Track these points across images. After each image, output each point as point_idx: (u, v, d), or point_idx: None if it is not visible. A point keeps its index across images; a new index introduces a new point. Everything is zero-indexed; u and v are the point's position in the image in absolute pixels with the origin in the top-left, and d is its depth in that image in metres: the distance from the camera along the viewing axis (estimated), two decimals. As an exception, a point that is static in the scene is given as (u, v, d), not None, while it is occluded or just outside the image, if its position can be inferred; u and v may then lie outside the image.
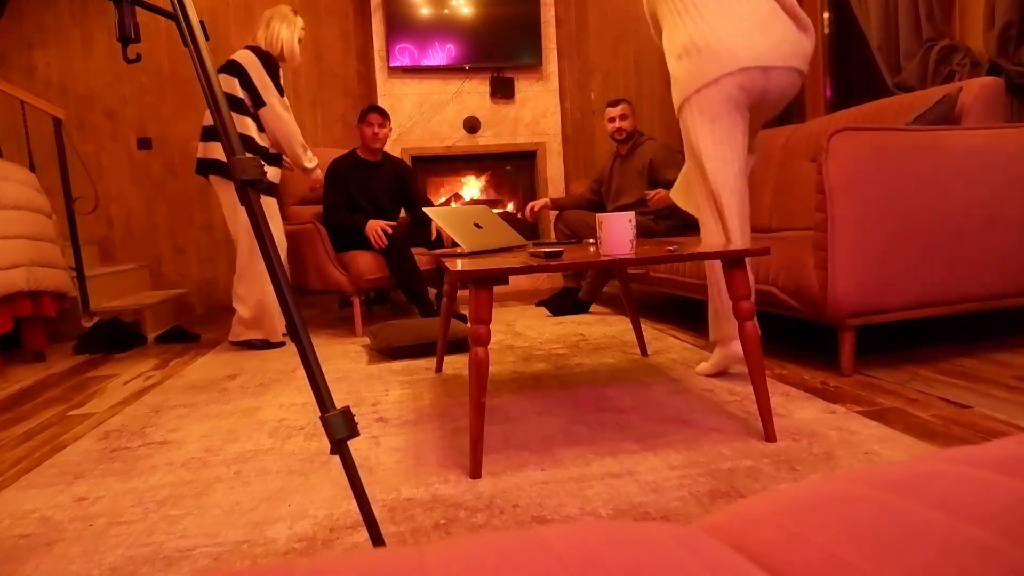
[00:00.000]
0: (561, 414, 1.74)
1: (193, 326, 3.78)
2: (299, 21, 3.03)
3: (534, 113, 4.45)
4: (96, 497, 1.38)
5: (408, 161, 4.25)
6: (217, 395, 2.18)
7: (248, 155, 0.99)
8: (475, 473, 1.37)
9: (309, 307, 4.45)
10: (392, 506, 1.25)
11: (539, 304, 3.73)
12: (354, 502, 1.28)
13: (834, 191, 1.85)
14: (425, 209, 2.06)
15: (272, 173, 3.02)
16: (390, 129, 3.42)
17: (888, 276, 1.91)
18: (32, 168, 3.31)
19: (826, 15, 3.59)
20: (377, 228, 3.13)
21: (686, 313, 3.29)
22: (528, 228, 4.55)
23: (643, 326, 2.98)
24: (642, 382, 2.01)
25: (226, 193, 2.90)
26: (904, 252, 1.91)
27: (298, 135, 2.97)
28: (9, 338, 3.18)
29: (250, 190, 0.99)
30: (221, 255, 4.50)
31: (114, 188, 4.33)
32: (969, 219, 1.96)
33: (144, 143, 4.34)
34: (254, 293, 2.94)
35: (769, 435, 1.46)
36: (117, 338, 3.16)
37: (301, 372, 2.45)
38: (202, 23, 1.03)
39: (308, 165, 3.07)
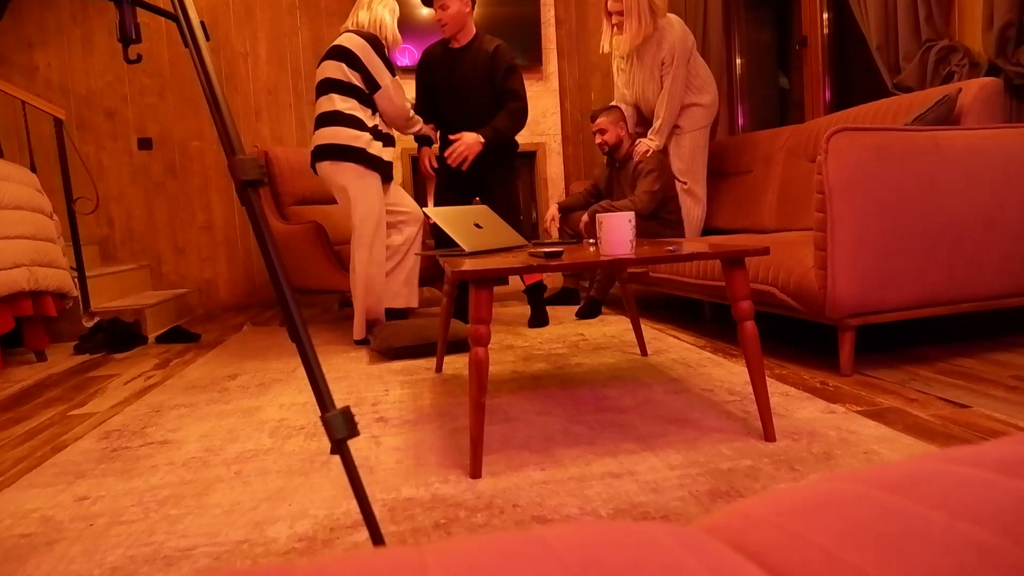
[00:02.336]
0: (561, 414, 1.74)
1: (193, 326, 3.78)
2: (394, 3, 2.88)
3: (534, 113, 4.45)
4: (97, 497, 1.39)
5: (409, 163, 4.24)
6: (217, 395, 2.18)
7: (247, 155, 0.99)
8: (475, 473, 1.37)
9: (309, 307, 4.45)
10: (392, 506, 1.26)
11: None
12: (354, 502, 1.28)
13: (834, 191, 1.86)
14: (425, 209, 2.06)
15: (388, 153, 2.90)
16: (459, 8, 2.95)
17: (888, 276, 1.91)
18: (33, 168, 3.31)
19: (825, 15, 3.59)
20: (425, 160, 3.06)
21: (686, 313, 3.29)
22: (528, 228, 4.55)
23: (643, 326, 2.98)
24: (642, 382, 2.01)
25: (341, 176, 2.74)
26: (904, 252, 1.91)
27: (408, 112, 2.90)
28: (10, 338, 3.18)
29: (250, 190, 0.99)
30: (221, 255, 4.50)
31: (115, 188, 4.33)
32: (969, 219, 1.96)
33: (144, 143, 4.34)
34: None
35: (769, 435, 1.46)
36: (118, 338, 3.16)
37: (301, 372, 2.45)
38: (202, 23, 1.03)
39: (412, 130, 2.99)
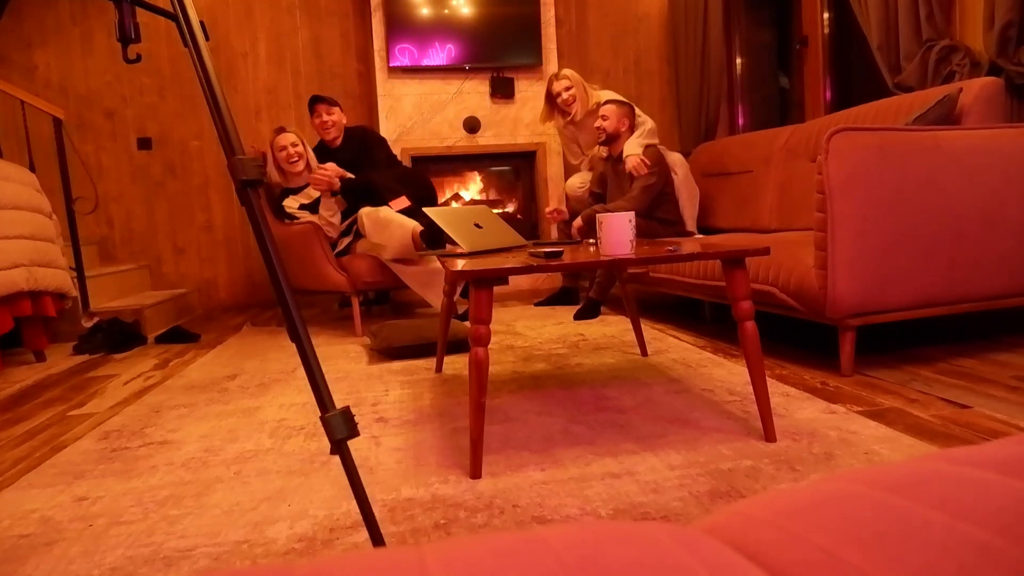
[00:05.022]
0: (561, 414, 1.74)
1: (193, 326, 3.78)
2: (273, 143, 3.31)
3: (534, 113, 4.44)
4: (96, 497, 1.38)
5: (408, 162, 4.24)
6: (217, 395, 2.18)
7: (247, 156, 0.99)
8: (475, 473, 1.37)
9: (309, 307, 4.45)
10: (392, 506, 1.25)
11: (538, 304, 3.73)
12: (354, 502, 1.28)
13: (834, 191, 1.85)
14: (425, 209, 2.06)
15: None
16: (341, 114, 3.47)
17: (888, 276, 1.91)
18: (32, 168, 3.30)
19: (826, 15, 3.59)
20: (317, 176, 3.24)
21: (686, 313, 3.29)
22: (528, 228, 4.55)
23: (643, 326, 2.98)
24: (642, 382, 2.01)
25: None
26: (904, 252, 1.91)
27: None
28: (9, 338, 3.18)
29: (250, 190, 0.99)
30: (221, 255, 4.50)
31: (114, 188, 4.33)
32: (969, 219, 1.96)
33: (144, 143, 4.34)
34: None
35: (769, 435, 1.46)
36: (117, 338, 3.16)
37: (301, 372, 2.45)
38: (202, 23, 1.03)
39: (325, 213, 3.23)
